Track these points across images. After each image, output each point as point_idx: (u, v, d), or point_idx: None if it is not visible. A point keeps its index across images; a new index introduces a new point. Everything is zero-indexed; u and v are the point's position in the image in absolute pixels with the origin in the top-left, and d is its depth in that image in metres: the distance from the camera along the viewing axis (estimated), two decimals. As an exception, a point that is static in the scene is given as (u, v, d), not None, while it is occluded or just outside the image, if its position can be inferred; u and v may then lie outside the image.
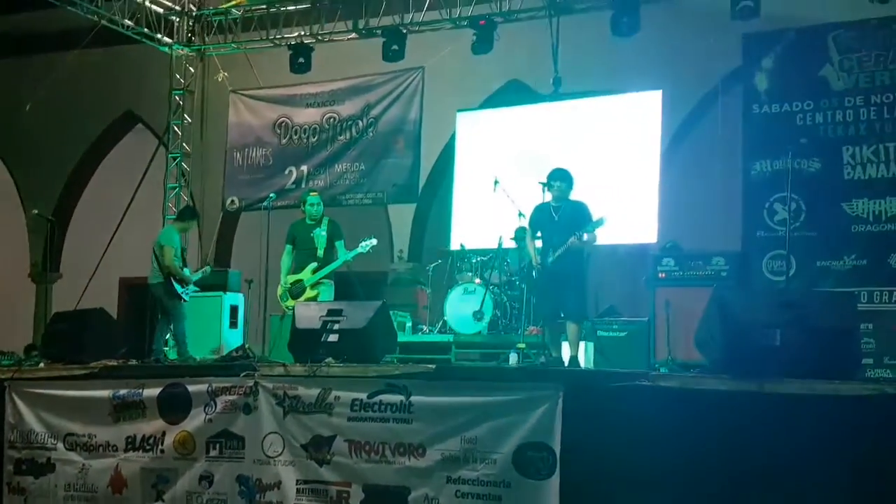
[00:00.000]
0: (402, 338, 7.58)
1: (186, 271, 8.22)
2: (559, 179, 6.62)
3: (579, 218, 6.48)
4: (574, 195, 6.70)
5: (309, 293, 7.64)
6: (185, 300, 8.25)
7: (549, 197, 6.67)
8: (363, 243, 7.74)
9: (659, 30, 8.93)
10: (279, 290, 7.81)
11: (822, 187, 7.83)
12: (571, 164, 8.92)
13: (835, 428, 4.46)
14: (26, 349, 9.96)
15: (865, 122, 7.75)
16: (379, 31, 9.83)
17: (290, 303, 7.62)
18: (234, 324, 9.42)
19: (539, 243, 6.68)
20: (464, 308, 8.27)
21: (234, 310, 9.49)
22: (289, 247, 7.92)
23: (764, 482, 4.59)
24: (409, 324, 8.83)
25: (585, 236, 6.45)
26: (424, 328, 8.86)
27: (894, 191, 7.59)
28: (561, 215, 6.55)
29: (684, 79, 9.17)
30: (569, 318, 6.62)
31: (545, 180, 6.66)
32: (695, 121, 9.57)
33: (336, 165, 10.38)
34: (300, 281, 7.72)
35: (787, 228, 7.41)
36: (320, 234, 7.78)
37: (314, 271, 7.70)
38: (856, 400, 4.41)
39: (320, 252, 7.72)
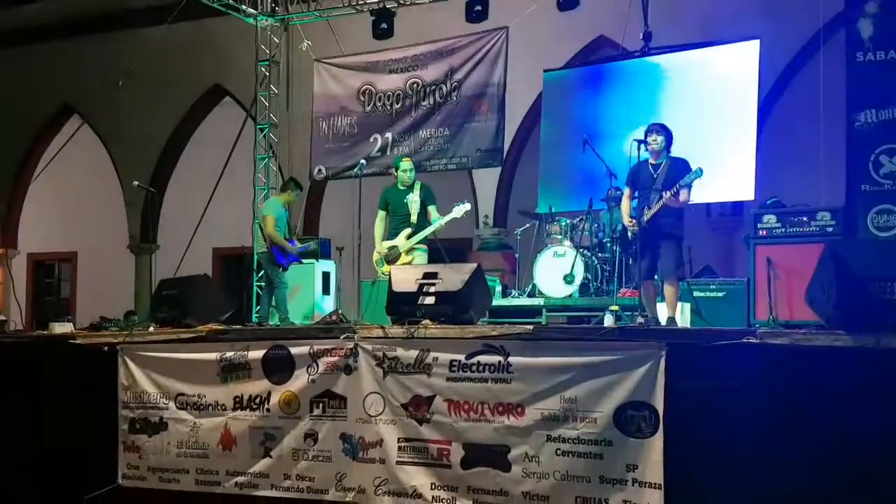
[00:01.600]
0: (492, 302, 7.56)
1: (295, 242, 8.52)
2: (657, 133, 6.43)
3: (680, 176, 6.30)
4: (674, 154, 6.51)
5: (404, 259, 7.68)
6: (284, 268, 8.52)
7: (645, 154, 6.51)
8: (457, 208, 7.72)
9: (755, -25, 8.61)
10: (375, 257, 7.88)
11: (932, 137, 7.42)
12: (664, 121, 8.76)
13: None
14: (126, 315, 10.43)
15: (977, 66, 7.30)
16: (462, -8, 9.72)
17: (387, 268, 7.67)
18: (326, 290, 9.62)
19: (626, 205, 6.56)
20: (554, 271, 8.20)
21: (326, 276, 9.68)
22: (382, 212, 7.97)
23: (881, 443, 4.43)
24: (497, 288, 8.80)
25: (682, 195, 6.29)
26: (514, 292, 8.83)
27: None
28: (660, 172, 6.38)
29: (783, 27, 8.79)
30: (665, 279, 6.50)
31: (641, 136, 6.49)
32: (794, 71, 9.21)
33: (420, 131, 10.35)
34: (395, 247, 7.77)
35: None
36: (413, 199, 7.79)
37: (408, 237, 7.74)
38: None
39: (413, 218, 7.74)
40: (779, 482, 4.61)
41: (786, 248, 7.17)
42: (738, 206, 9.33)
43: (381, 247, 7.86)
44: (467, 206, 7.80)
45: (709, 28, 9.01)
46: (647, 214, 6.41)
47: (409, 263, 7.59)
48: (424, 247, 7.81)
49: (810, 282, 5.00)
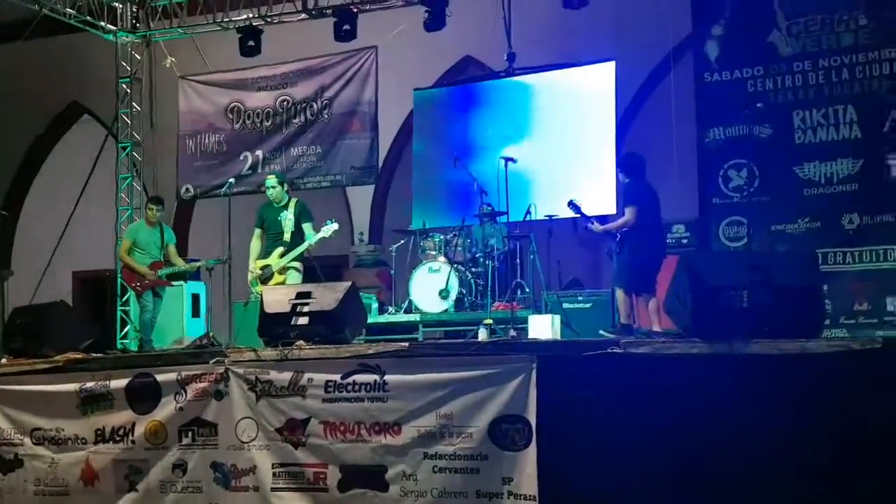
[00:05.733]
0: (368, 319, 7.55)
1: (174, 265, 8.34)
2: (617, 169, 7.01)
3: (623, 198, 6.81)
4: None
5: (278, 278, 7.60)
6: (136, 292, 8.23)
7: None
8: (325, 227, 7.70)
9: (611, -1, 8.97)
10: (249, 277, 7.76)
11: (774, 152, 7.99)
12: (528, 138, 9.07)
13: (803, 385, 4.55)
14: None
15: (814, 86, 7.91)
16: (329, 11, 9.69)
17: (260, 288, 7.57)
18: (196, 313, 9.34)
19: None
20: (429, 287, 8.26)
21: (195, 298, 9.41)
22: (258, 231, 7.88)
23: (736, 442, 4.68)
24: (374, 305, 8.81)
25: (595, 225, 6.99)
26: (390, 309, 8.84)
27: (844, 153, 7.76)
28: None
29: (637, 49, 9.26)
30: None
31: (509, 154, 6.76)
32: (648, 91, 9.68)
33: (292, 149, 10.26)
34: (269, 266, 7.68)
35: (749, 192, 7.54)
36: (287, 217, 7.73)
37: (281, 255, 7.65)
38: (823, 357, 4.50)
39: (287, 236, 7.68)
40: (646, 489, 4.79)
41: (645, 259, 7.51)
42: (601, 220, 9.70)
43: (255, 266, 7.76)
44: (335, 226, 7.79)
45: (568, 50, 9.38)
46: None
47: (283, 282, 7.51)
48: (299, 265, 7.75)
49: (667, 292, 5.26)
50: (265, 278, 7.61)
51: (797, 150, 7.94)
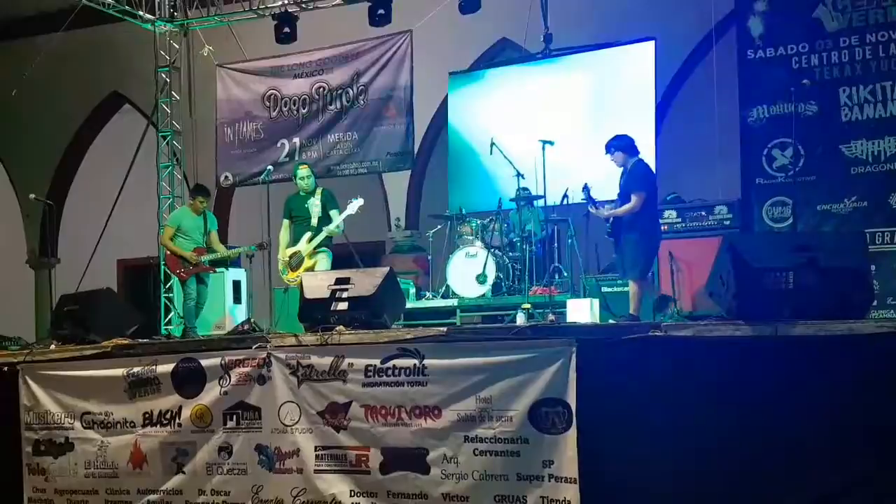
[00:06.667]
0: (406, 305, 7.57)
1: (216, 251, 8.39)
2: (607, 151, 6.74)
3: (628, 183, 6.59)
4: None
5: (307, 263, 7.68)
6: (181, 278, 8.34)
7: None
8: (351, 204, 7.77)
9: (649, -24, 8.85)
10: (279, 266, 7.86)
11: (820, 130, 7.79)
12: (566, 120, 8.98)
13: (850, 367, 4.47)
14: None
15: (861, 62, 7.70)
16: (364, -4, 9.70)
17: (291, 275, 7.68)
18: (237, 299, 9.46)
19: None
20: (466, 272, 8.27)
21: (236, 285, 9.52)
22: (286, 221, 8.01)
23: (781, 425, 4.62)
24: (412, 290, 8.84)
25: (602, 210, 6.76)
26: (428, 294, 8.87)
27: (893, 130, 7.56)
28: (621, 180, 6.69)
29: (677, 27, 9.11)
30: (625, 276, 6.84)
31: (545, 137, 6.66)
32: (689, 70, 9.53)
33: (328, 136, 10.29)
34: (298, 252, 7.77)
35: (794, 172, 7.37)
36: (314, 203, 7.82)
37: (309, 240, 7.75)
38: (871, 338, 4.41)
39: (314, 221, 7.78)
40: (686, 471, 4.75)
41: (687, 241, 7.47)
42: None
43: (284, 254, 7.87)
44: (360, 202, 7.84)
45: (606, 29, 9.25)
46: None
47: (313, 268, 7.59)
48: (328, 249, 7.82)
49: (710, 274, 5.19)
50: (295, 265, 7.70)
51: (844, 127, 7.74)
